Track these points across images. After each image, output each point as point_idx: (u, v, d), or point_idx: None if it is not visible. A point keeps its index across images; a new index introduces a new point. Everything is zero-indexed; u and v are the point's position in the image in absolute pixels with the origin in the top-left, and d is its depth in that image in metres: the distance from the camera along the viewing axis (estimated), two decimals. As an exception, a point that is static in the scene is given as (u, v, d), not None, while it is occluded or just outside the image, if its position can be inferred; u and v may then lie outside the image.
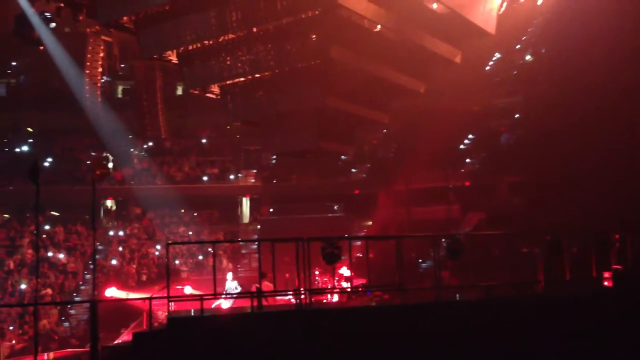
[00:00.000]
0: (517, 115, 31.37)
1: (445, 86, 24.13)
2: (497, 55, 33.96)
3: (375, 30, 16.27)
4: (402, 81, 17.53)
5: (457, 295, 12.22)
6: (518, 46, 32.01)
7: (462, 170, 31.21)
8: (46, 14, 16.93)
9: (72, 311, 25.94)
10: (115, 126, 31.09)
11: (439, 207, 29.42)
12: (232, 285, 16.97)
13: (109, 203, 33.03)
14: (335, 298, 17.86)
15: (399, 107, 20.38)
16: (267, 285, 12.11)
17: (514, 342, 9.94)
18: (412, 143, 30.23)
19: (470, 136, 32.86)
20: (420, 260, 25.60)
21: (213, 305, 15.06)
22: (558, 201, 21.67)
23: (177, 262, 28.28)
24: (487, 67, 34.09)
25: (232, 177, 34.07)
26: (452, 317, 10.05)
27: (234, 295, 15.60)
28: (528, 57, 31.34)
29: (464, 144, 32.90)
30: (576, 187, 21.16)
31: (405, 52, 16.67)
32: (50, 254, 28.20)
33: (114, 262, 28.40)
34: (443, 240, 12.73)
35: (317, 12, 15.02)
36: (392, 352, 9.65)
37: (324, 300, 16.96)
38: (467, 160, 31.88)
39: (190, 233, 31.17)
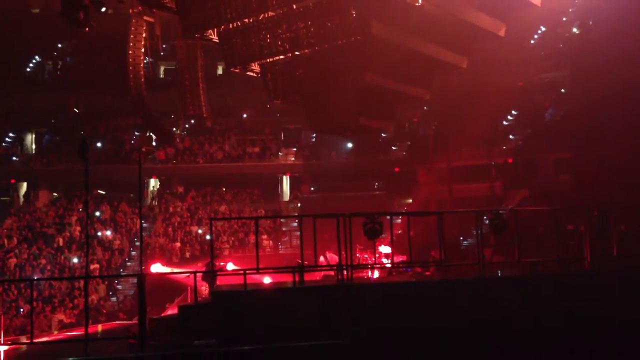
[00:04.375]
0: (562, 90, 30.58)
1: (488, 61, 23.63)
2: (543, 28, 33.14)
3: (416, 4, 15.96)
4: (444, 56, 17.19)
5: (499, 272, 12.10)
6: (564, 19, 31.09)
7: (505, 147, 30.64)
8: (93, -5, 17.01)
9: (119, 286, 26.76)
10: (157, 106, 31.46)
11: (481, 184, 29.01)
12: None
13: (153, 182, 33.68)
14: (376, 275, 17.87)
15: (440, 83, 20.04)
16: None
17: (558, 318, 9.81)
18: (454, 120, 29.78)
19: (513, 112, 32.20)
20: (461, 238, 25.41)
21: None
22: (605, 177, 21.09)
23: (219, 239, 28.74)
24: (532, 41, 33.33)
25: (272, 155, 34.28)
26: (495, 293, 9.96)
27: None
28: (575, 30, 30.39)
29: (507, 120, 32.27)
30: (624, 163, 20.55)
31: (447, 26, 16.28)
32: (99, 233, 29.06)
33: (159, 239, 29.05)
34: (485, 217, 12.56)
35: (357, -13, 14.82)
36: (433, 328, 9.65)
37: (365, 277, 16.98)
38: (510, 136, 31.28)
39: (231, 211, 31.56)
